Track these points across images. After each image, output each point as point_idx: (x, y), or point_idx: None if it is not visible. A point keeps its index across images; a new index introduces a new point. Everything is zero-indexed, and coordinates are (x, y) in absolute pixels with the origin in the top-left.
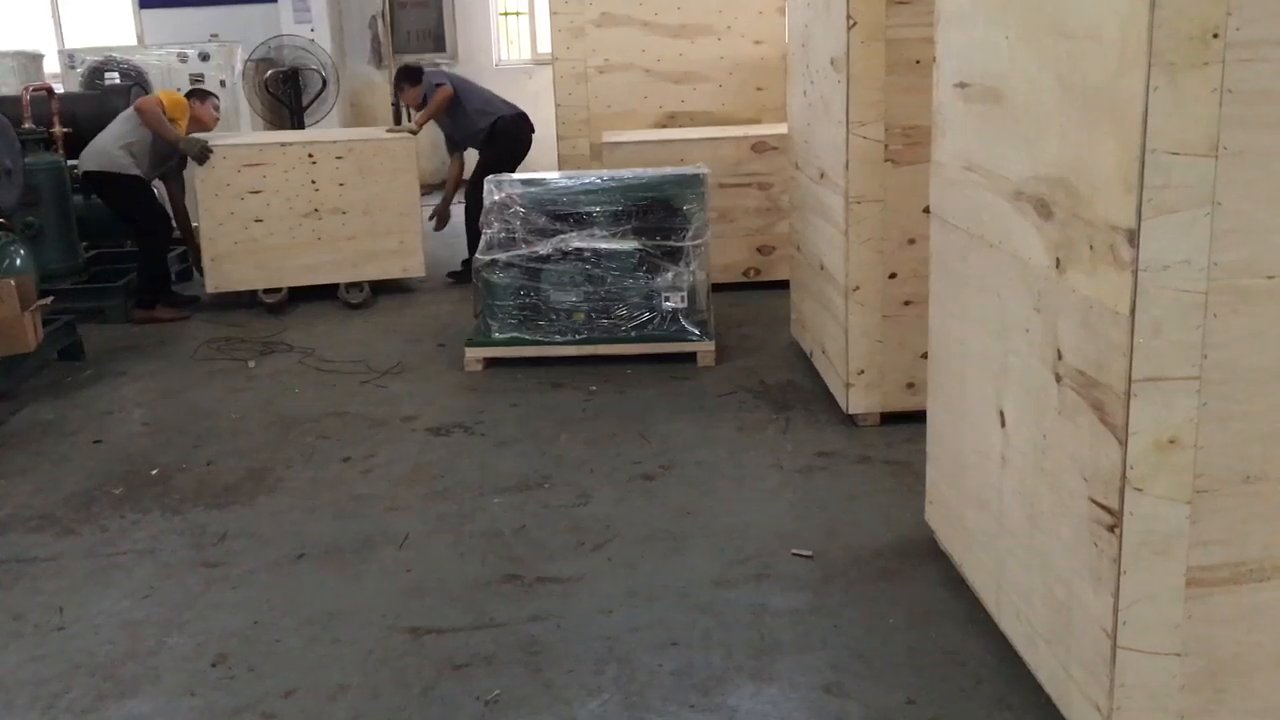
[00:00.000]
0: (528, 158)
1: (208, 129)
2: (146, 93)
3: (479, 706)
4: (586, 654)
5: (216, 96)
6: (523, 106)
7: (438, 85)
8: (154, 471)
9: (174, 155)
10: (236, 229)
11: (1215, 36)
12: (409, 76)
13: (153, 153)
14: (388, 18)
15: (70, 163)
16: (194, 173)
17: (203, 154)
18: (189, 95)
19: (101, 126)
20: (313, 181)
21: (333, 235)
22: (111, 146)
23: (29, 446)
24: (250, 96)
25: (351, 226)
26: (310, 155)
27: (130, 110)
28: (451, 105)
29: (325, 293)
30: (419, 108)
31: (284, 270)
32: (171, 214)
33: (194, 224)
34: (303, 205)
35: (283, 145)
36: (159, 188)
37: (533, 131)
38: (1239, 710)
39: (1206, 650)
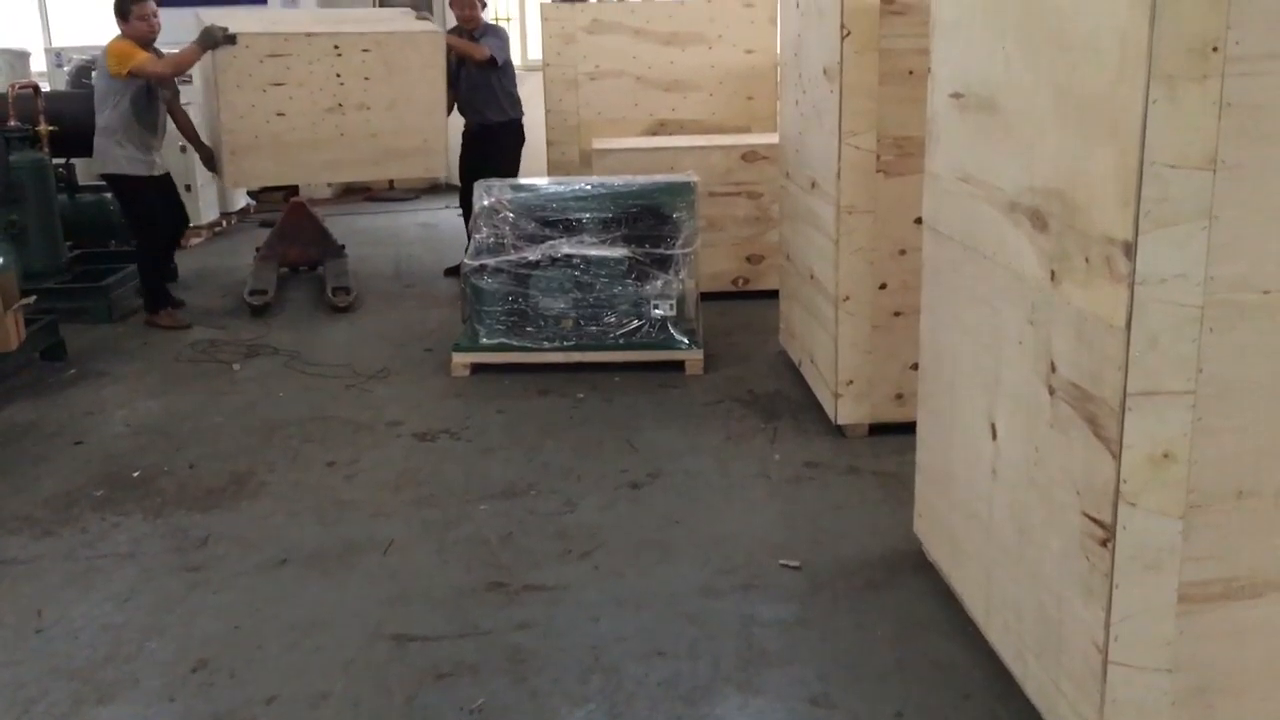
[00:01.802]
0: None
1: (151, 37)
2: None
3: (463, 716)
4: (572, 663)
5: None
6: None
7: (491, 40)
8: (136, 474)
9: (156, 108)
10: (258, 122)
11: (1215, 50)
12: None
13: (140, 117)
14: None
15: (55, 161)
16: (216, 64)
17: (226, 37)
18: (122, 25)
19: (87, 125)
20: (337, 75)
21: (356, 132)
22: (107, 145)
23: (8, 447)
24: None
25: (375, 123)
26: (336, 47)
27: (101, 92)
28: (489, 76)
29: (311, 294)
30: (466, 25)
31: (304, 166)
32: (192, 144)
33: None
34: (326, 99)
35: (308, 36)
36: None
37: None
38: None
39: (1197, 666)
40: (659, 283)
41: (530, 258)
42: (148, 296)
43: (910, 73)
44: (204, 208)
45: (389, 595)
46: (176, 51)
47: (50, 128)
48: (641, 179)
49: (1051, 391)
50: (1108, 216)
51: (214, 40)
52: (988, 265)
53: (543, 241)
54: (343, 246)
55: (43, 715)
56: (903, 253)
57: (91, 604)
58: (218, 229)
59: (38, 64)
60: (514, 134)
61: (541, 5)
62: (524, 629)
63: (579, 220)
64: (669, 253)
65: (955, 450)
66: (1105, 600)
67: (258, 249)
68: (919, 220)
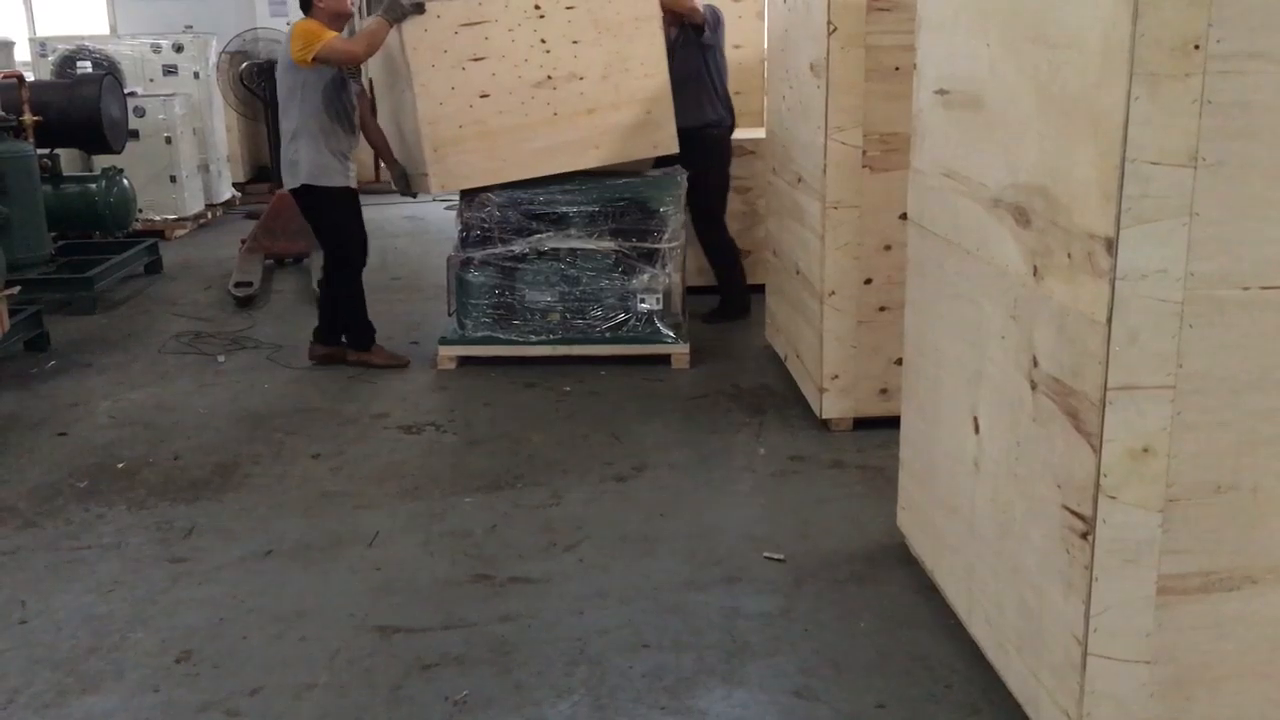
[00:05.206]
0: None
1: (346, 16)
2: (120, 83)
3: (447, 707)
4: (557, 655)
5: None
6: None
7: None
8: (120, 465)
9: (350, 104)
10: (460, 108)
11: (1196, 48)
12: None
13: (335, 115)
14: (365, 14)
15: (40, 151)
16: (405, 41)
17: (414, 6)
18: (308, 12)
19: (72, 116)
20: (542, 40)
21: (570, 109)
22: (301, 152)
23: None
24: (224, 89)
25: (591, 96)
26: (537, 7)
27: (287, 88)
28: (700, 59)
29: (297, 286)
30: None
31: (515, 159)
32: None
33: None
34: (533, 73)
35: None
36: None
37: None
38: (1206, 719)
39: (1176, 658)
40: (645, 277)
41: (517, 251)
42: (354, 331)
43: (896, 69)
44: (189, 198)
45: (374, 587)
46: (363, 29)
47: (35, 118)
48: (628, 172)
49: (1033, 386)
50: (1090, 212)
51: (401, 11)
52: (971, 261)
53: (530, 235)
54: None
55: (26, 705)
56: (888, 248)
57: (75, 595)
58: (203, 220)
59: (22, 54)
60: (724, 140)
61: None
62: (509, 621)
63: (566, 214)
64: (655, 247)
65: (938, 444)
66: (1085, 593)
67: (243, 241)
68: (904, 216)
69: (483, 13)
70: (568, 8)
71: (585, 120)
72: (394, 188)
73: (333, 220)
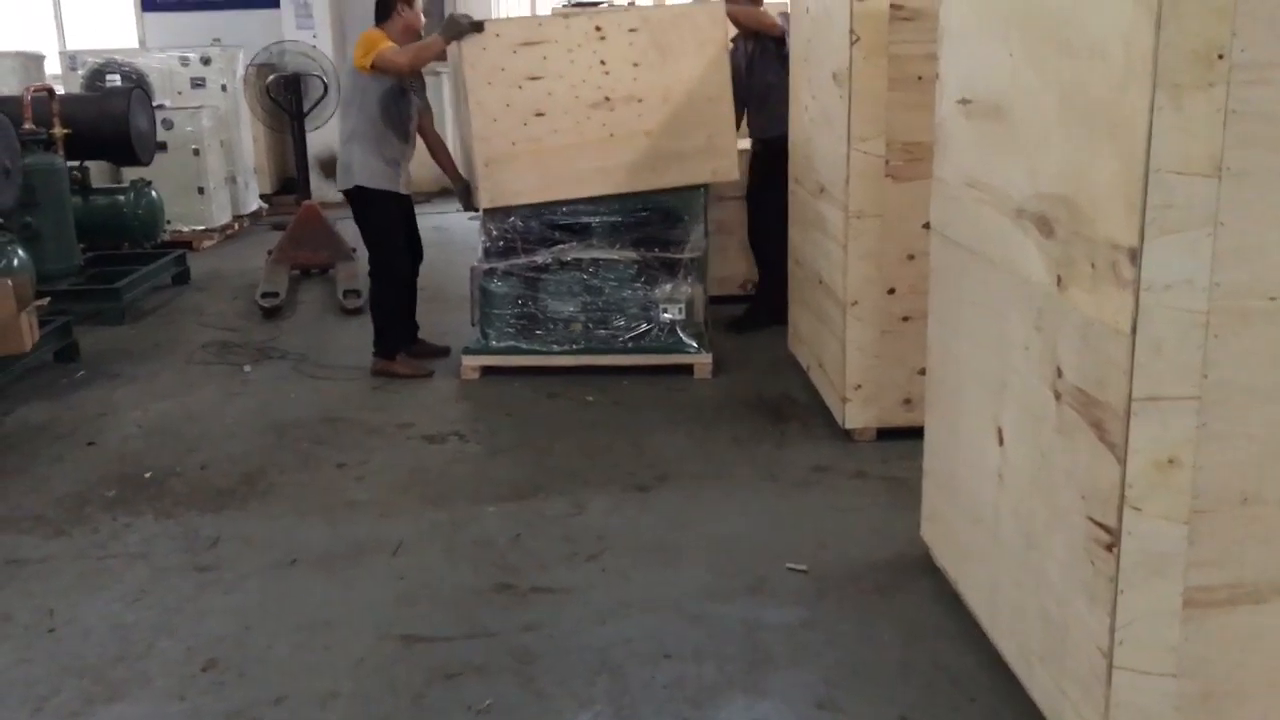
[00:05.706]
0: None
1: (416, 30)
2: (148, 95)
3: (470, 716)
4: (579, 665)
5: None
6: None
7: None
8: (147, 475)
9: (408, 115)
10: (514, 125)
11: (1220, 57)
12: None
13: (391, 122)
14: None
15: (70, 164)
16: (463, 58)
17: (472, 25)
18: (381, 22)
19: (101, 129)
20: (602, 62)
21: (627, 131)
22: (354, 154)
23: (22, 447)
24: (251, 102)
25: (649, 119)
26: (598, 29)
27: (347, 92)
28: (780, 70)
29: (323, 297)
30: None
31: (569, 177)
32: (430, 150)
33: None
34: (591, 93)
35: (566, 18)
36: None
37: None
38: None
39: (1202, 672)
40: (668, 286)
41: (540, 261)
42: (379, 337)
43: (919, 78)
44: (216, 210)
45: (397, 596)
46: (415, 43)
47: (65, 131)
48: None
49: (1057, 397)
50: (1113, 223)
51: (460, 30)
52: (994, 271)
53: (552, 245)
54: (354, 249)
55: (54, 713)
56: (911, 258)
57: (103, 603)
58: (230, 231)
59: (52, 67)
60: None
61: (553, 10)
62: (531, 630)
63: (588, 224)
64: (678, 257)
65: (962, 455)
66: (1110, 605)
67: (269, 251)
68: (927, 225)
69: (543, 33)
70: (630, 30)
71: (642, 142)
72: (458, 202)
73: (377, 224)
